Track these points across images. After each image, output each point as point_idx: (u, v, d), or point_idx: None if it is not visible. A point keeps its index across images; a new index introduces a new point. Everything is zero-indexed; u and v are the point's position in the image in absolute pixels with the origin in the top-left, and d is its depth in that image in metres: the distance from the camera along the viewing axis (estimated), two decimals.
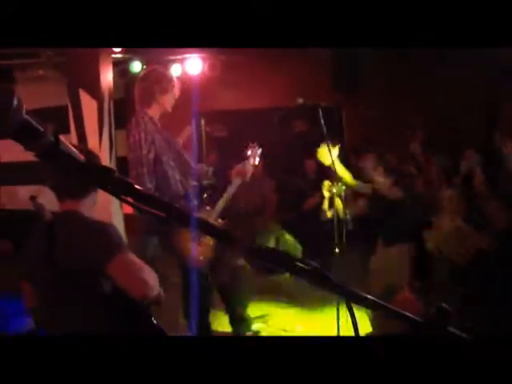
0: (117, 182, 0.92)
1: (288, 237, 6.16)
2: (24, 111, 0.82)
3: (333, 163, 3.90)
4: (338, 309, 3.63)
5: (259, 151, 3.77)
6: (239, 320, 3.91)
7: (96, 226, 2.11)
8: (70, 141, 4.48)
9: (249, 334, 3.96)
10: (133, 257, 2.09)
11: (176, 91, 3.58)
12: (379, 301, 0.98)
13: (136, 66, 6.95)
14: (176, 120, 4.13)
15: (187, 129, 5.56)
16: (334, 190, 4.32)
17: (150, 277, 2.08)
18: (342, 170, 4.81)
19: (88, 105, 5.40)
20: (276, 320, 4.72)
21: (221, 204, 3.48)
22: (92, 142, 5.34)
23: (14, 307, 3.48)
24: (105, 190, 0.93)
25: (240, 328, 3.91)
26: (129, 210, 4.89)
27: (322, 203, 5.41)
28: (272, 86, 7.56)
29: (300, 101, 3.98)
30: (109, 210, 4.97)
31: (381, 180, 5.55)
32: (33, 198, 3.68)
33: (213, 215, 3.44)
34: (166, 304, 2.20)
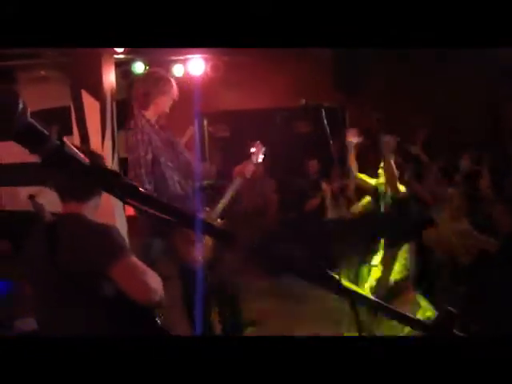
0: (123, 186, 0.93)
1: None
2: (29, 114, 0.82)
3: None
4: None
5: (263, 149, 3.77)
6: (235, 321, 3.90)
7: (99, 228, 2.09)
8: (72, 142, 4.47)
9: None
10: (136, 260, 2.06)
11: (174, 93, 3.58)
12: (388, 305, 0.97)
13: (138, 67, 6.95)
14: (179, 120, 4.14)
15: (190, 129, 5.58)
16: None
17: (153, 280, 2.06)
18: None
19: (90, 106, 5.40)
20: (276, 320, 4.71)
21: (221, 204, 3.49)
22: (94, 142, 5.34)
23: None
24: (110, 193, 0.93)
25: (234, 329, 3.89)
26: (131, 212, 4.89)
27: (323, 203, 5.40)
28: (275, 86, 7.55)
29: (303, 101, 3.98)
30: (112, 212, 4.97)
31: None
32: (32, 197, 3.66)
33: (213, 215, 3.44)
34: (166, 304, 2.20)
